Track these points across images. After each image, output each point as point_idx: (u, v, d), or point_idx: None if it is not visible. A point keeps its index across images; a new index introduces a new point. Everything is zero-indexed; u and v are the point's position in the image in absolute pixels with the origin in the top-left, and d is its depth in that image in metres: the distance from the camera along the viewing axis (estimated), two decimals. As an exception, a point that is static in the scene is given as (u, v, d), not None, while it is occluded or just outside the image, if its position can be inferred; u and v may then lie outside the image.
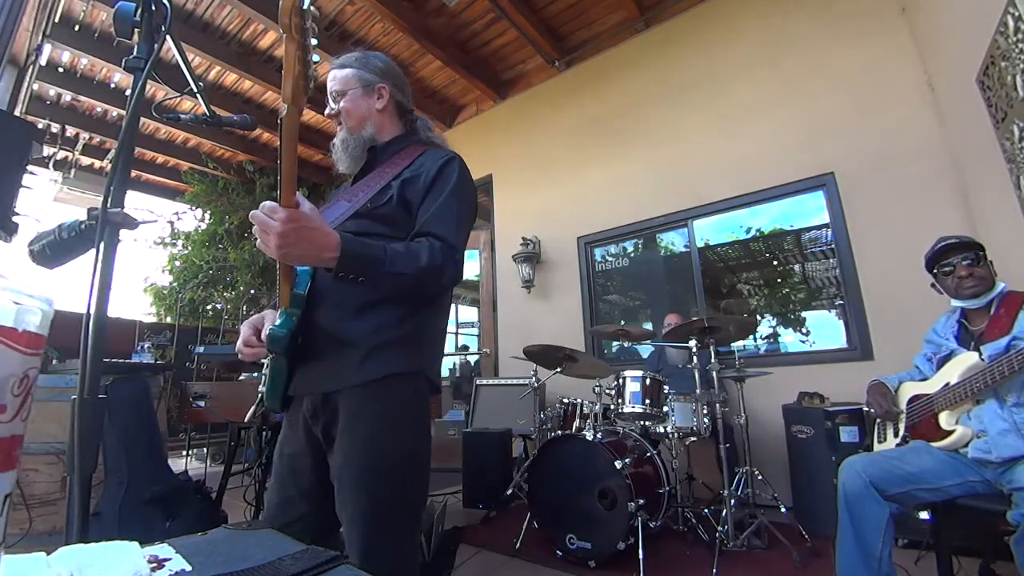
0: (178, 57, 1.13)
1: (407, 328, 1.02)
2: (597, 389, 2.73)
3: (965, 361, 1.61)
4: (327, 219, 1.02)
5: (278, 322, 0.98)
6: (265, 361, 1.06)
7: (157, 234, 6.58)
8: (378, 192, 1.09)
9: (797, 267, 3.71)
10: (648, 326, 4.24)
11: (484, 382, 4.01)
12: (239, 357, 1.05)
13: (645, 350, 4.04)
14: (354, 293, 0.99)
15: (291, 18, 0.78)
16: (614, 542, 2.17)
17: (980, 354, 1.58)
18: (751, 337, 3.71)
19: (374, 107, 1.19)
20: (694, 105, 4.02)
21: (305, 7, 0.77)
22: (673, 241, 4.24)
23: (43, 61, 4.35)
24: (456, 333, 6.95)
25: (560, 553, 2.33)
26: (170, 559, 0.63)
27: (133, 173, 4.97)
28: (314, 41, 0.82)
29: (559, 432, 2.69)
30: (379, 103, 1.19)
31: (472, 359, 6.18)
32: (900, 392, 1.83)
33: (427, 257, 0.96)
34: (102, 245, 0.80)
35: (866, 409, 1.94)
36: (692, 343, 2.67)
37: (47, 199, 6.22)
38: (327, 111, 1.22)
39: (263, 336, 1.00)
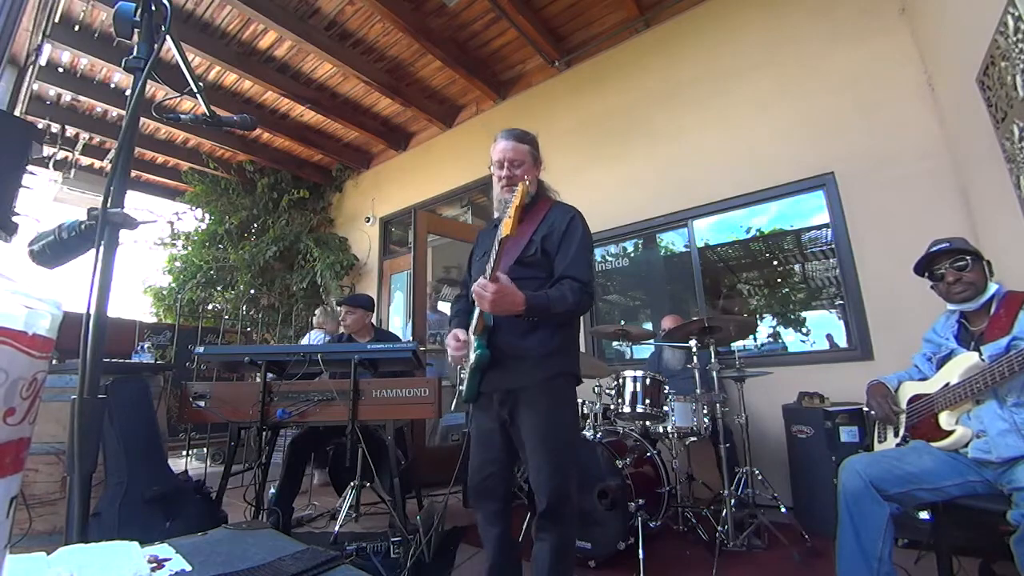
0: (178, 57, 1.13)
1: (557, 342, 1.52)
2: (597, 389, 2.73)
3: (965, 361, 1.60)
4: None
5: (480, 347, 1.50)
6: (465, 369, 1.61)
7: (157, 235, 6.59)
8: (526, 246, 1.56)
9: (797, 267, 3.70)
10: (648, 326, 4.24)
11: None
12: (450, 361, 1.67)
13: (642, 353, 4.04)
14: (520, 322, 1.47)
15: (523, 196, 1.26)
16: (614, 542, 2.17)
17: (980, 354, 1.57)
18: (751, 337, 3.71)
19: (537, 176, 1.69)
20: (694, 105, 4.02)
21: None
22: (673, 241, 4.24)
23: (43, 61, 4.35)
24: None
25: (560, 553, 2.33)
26: (170, 559, 0.63)
27: (133, 173, 4.97)
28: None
29: (559, 432, 2.69)
30: (537, 171, 1.69)
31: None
32: (900, 392, 1.83)
33: (572, 297, 1.45)
34: (102, 245, 0.80)
35: (866, 410, 1.94)
36: (692, 343, 2.67)
37: (47, 199, 6.22)
38: (504, 172, 1.61)
39: (471, 359, 1.53)
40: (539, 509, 1.45)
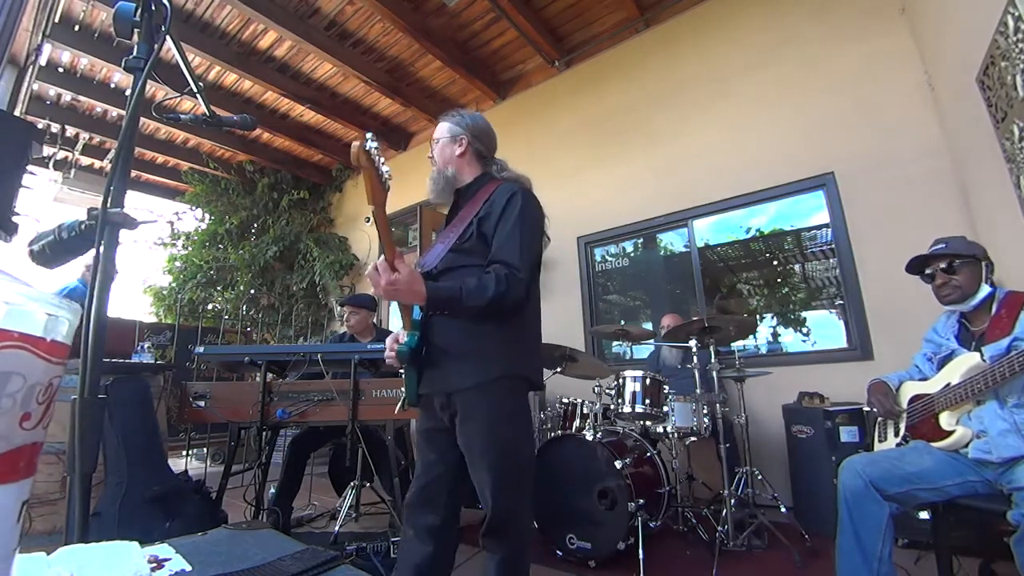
0: (178, 57, 1.13)
1: (500, 341, 1.31)
2: (597, 389, 2.73)
3: (966, 362, 1.60)
4: (430, 259, 1.39)
5: (403, 341, 1.31)
6: (402, 369, 1.41)
7: (157, 235, 6.59)
8: (462, 232, 1.37)
9: (797, 267, 3.70)
10: (648, 326, 4.24)
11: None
12: (387, 362, 1.39)
13: (642, 353, 4.04)
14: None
15: (360, 158, 1.05)
16: (614, 542, 2.17)
17: (981, 355, 1.57)
18: (751, 337, 3.71)
19: (455, 153, 1.47)
20: (694, 105, 4.02)
21: (368, 148, 1.04)
22: (673, 241, 4.24)
23: (43, 61, 4.35)
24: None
25: (560, 553, 2.33)
26: (170, 559, 0.63)
27: (133, 173, 4.97)
28: (383, 162, 1.10)
29: (559, 432, 2.69)
30: (459, 150, 1.48)
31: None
32: (901, 392, 1.83)
33: (493, 287, 1.21)
34: (102, 245, 0.80)
35: (866, 409, 1.94)
36: (692, 343, 2.67)
37: (47, 199, 6.22)
38: (429, 154, 1.51)
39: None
40: (484, 524, 1.29)
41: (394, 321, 6.04)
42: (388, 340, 1.41)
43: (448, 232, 1.41)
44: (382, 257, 1.14)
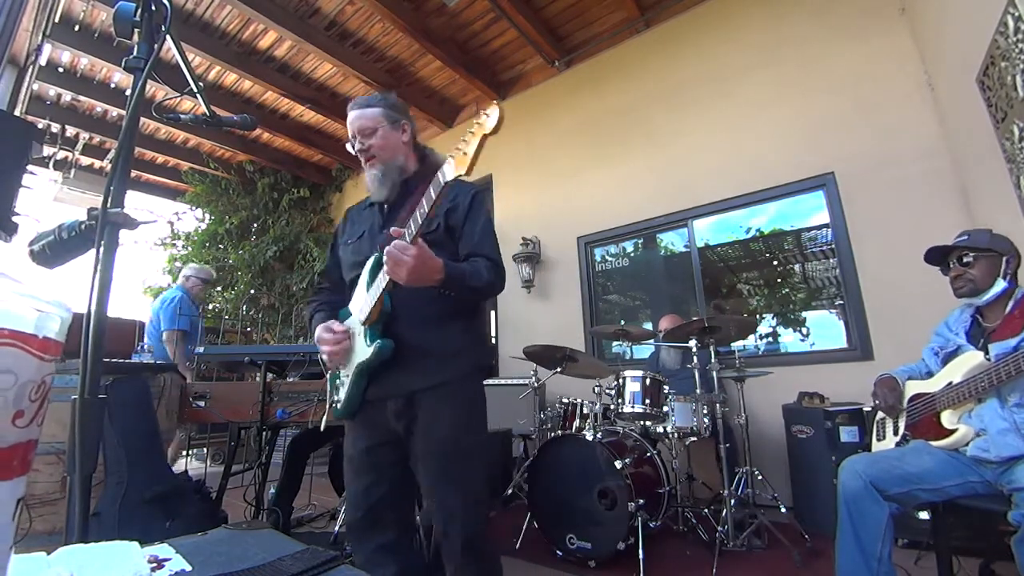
0: (178, 57, 1.13)
1: (469, 337, 1.30)
2: (597, 389, 2.73)
3: (970, 360, 1.60)
4: None
5: (379, 340, 1.19)
6: (342, 373, 1.28)
7: (157, 235, 6.59)
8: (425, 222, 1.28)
9: (797, 267, 3.70)
10: (648, 326, 4.24)
11: (484, 382, 3.99)
12: (326, 363, 1.29)
13: (642, 353, 4.04)
14: (425, 309, 1.24)
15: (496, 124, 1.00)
16: (614, 542, 2.17)
17: (987, 353, 1.57)
18: (751, 336, 3.71)
19: (401, 140, 1.36)
20: (694, 105, 4.02)
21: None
22: (673, 241, 4.24)
23: (43, 61, 4.35)
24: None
25: (560, 553, 2.33)
26: (170, 559, 0.63)
27: (133, 173, 4.97)
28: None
29: (559, 432, 2.69)
30: (404, 136, 1.37)
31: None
32: (904, 390, 1.83)
33: (487, 274, 1.24)
34: (102, 245, 0.80)
35: (867, 408, 1.94)
36: (692, 343, 2.67)
37: (47, 199, 6.22)
38: (357, 147, 1.34)
39: (366, 355, 1.20)
40: (453, 547, 1.20)
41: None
42: (322, 332, 1.27)
43: (403, 223, 1.27)
44: (396, 241, 1.06)
